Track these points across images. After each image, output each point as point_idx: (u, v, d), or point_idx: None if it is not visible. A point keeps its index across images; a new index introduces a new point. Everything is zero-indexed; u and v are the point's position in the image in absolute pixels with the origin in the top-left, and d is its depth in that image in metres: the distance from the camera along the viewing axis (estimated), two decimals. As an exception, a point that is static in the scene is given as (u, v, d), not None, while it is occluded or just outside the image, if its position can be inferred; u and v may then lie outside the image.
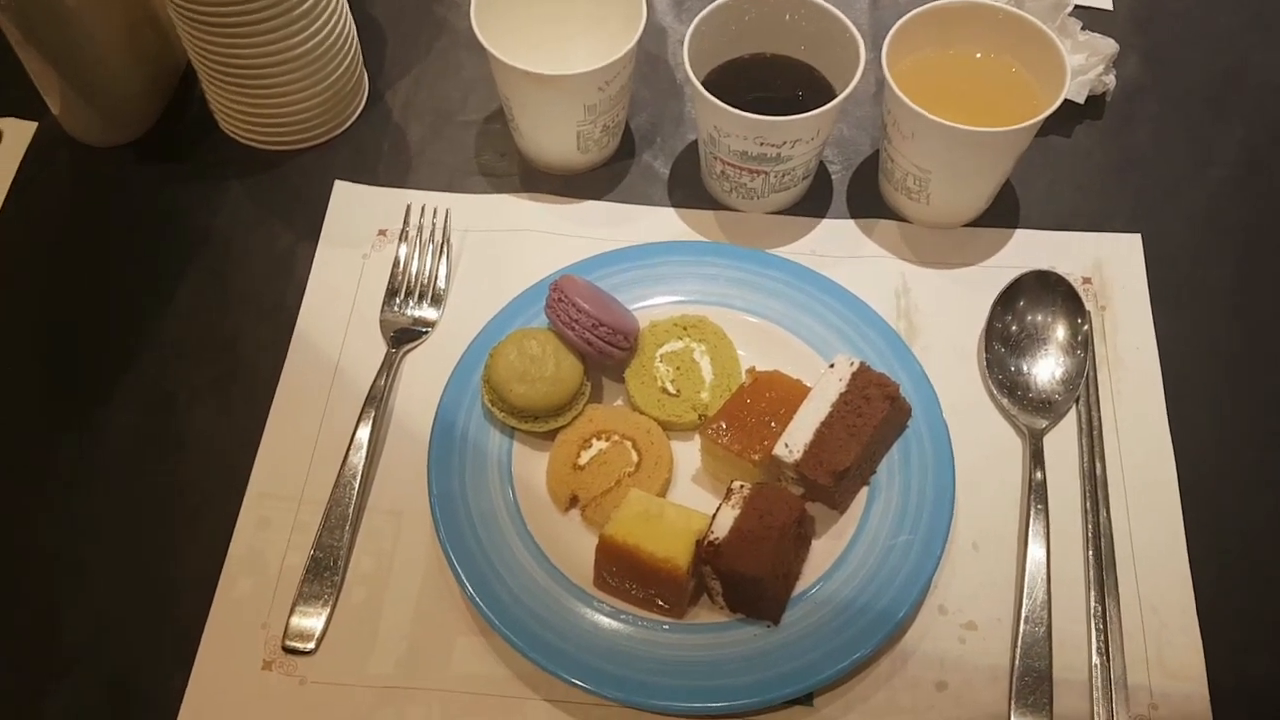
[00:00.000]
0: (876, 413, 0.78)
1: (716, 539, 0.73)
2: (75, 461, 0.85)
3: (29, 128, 1.02)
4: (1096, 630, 0.76)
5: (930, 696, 0.75)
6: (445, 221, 0.95)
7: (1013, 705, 0.74)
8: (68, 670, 0.76)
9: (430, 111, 1.04)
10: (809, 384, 0.81)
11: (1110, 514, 0.81)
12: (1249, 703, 0.75)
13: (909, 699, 0.75)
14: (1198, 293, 0.93)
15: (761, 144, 0.87)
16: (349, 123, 1.03)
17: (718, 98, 0.86)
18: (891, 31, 0.89)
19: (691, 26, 0.90)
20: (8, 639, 0.78)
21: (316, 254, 0.95)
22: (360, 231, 0.96)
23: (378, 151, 1.01)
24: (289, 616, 0.78)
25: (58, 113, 1.00)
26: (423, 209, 0.96)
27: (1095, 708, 0.74)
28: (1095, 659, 0.75)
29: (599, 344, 0.82)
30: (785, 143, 0.87)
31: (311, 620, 0.78)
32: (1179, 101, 1.04)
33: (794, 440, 0.77)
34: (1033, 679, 0.74)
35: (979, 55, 0.92)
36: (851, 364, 0.80)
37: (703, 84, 0.88)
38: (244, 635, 0.77)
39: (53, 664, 0.77)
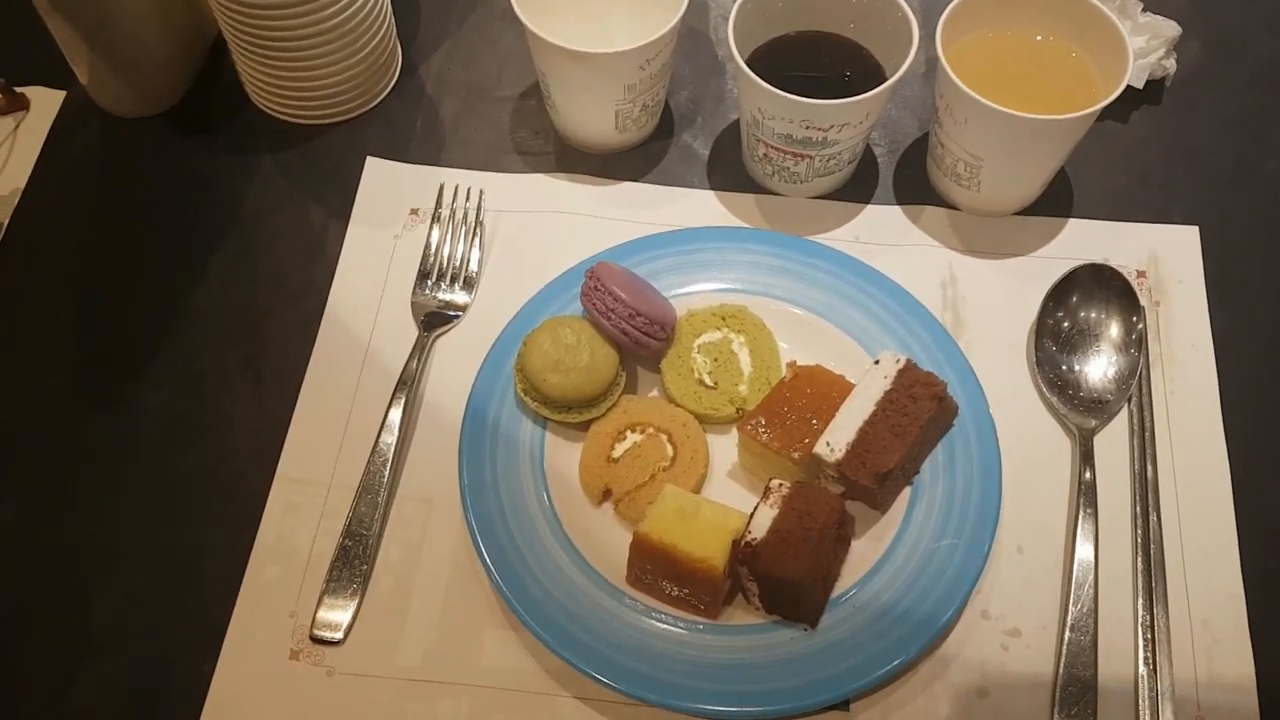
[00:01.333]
0: (923, 412, 0.75)
1: (754, 540, 0.71)
2: (104, 440, 0.84)
3: (57, 97, 1.01)
4: (1144, 640, 0.74)
5: (970, 704, 0.73)
6: (479, 202, 0.93)
7: (1055, 715, 0.72)
8: (97, 654, 0.76)
9: (464, 86, 1.02)
10: (852, 379, 0.79)
11: (1161, 519, 0.78)
12: (1301, 720, 0.72)
13: (948, 707, 0.73)
14: (1257, 289, 0.89)
15: (807, 127, 0.84)
16: (381, 97, 1.00)
17: (761, 77, 0.83)
18: (946, 10, 0.85)
19: (736, 2, 0.86)
20: (39, 622, 0.77)
21: (348, 233, 0.93)
22: (392, 210, 0.94)
23: (410, 127, 0.99)
24: (317, 605, 0.77)
25: (86, 83, 0.98)
26: (455, 189, 0.94)
27: (1141, 719, 0.72)
28: (1142, 670, 0.73)
29: (635, 334, 0.80)
30: (832, 126, 0.84)
31: (340, 610, 0.77)
32: (1241, 89, 1.00)
33: (836, 439, 0.75)
34: (1077, 689, 0.72)
35: (1038, 38, 0.88)
36: (897, 361, 0.77)
37: (746, 63, 0.85)
38: (272, 623, 0.76)
39: (82, 648, 0.76)
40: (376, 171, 0.96)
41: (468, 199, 0.93)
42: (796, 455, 0.76)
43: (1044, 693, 0.73)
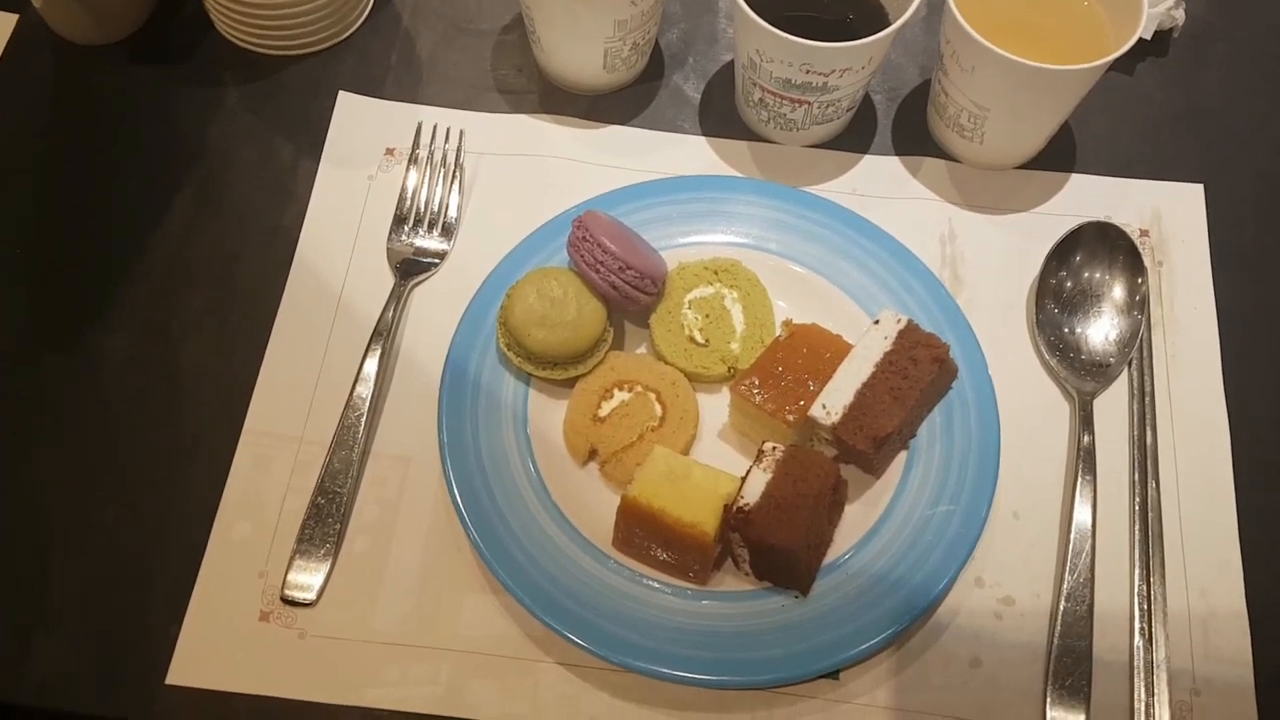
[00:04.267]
0: (923, 375, 0.72)
1: (747, 505, 0.69)
2: (60, 390, 0.79)
3: (8, 20, 0.94)
4: (1140, 610, 0.73)
5: (963, 674, 0.72)
6: (458, 143, 0.88)
7: (1049, 686, 0.70)
8: (57, 616, 0.72)
9: (443, 18, 0.96)
10: (849, 339, 0.76)
11: (1160, 487, 0.76)
12: (1296, 693, 0.71)
13: (940, 676, 0.71)
14: (1262, 251, 0.87)
15: (807, 72, 0.80)
16: (354, 28, 0.95)
17: (761, 15, 0.79)
18: (955, -48, 0.81)
19: (736, -63, 0.81)
20: (-4, 581, 0.74)
21: (319, 172, 0.88)
22: (366, 149, 0.89)
23: (385, 61, 0.94)
24: (288, 565, 0.73)
25: (40, 6, 0.91)
26: (434, 128, 0.89)
27: (1135, 691, 0.70)
28: (1138, 641, 0.72)
29: (625, 288, 0.76)
30: (833, 71, 0.80)
31: (312, 570, 0.73)
32: (1252, 44, 0.97)
33: (832, 402, 0.72)
34: (1071, 660, 0.71)
35: (1048, -17, 0.84)
36: (898, 321, 0.74)
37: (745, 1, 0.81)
38: (240, 584, 0.73)
39: (43, 611, 0.72)
40: (349, 107, 0.91)
41: (447, 139, 0.88)
42: (791, 418, 0.73)
43: (1038, 663, 0.72)
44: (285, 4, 0.88)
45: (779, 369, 0.74)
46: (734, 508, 0.69)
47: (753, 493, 0.69)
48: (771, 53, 0.80)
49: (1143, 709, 0.70)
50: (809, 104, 0.84)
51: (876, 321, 0.75)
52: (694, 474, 0.71)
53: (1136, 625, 0.72)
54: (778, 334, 0.78)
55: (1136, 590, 0.73)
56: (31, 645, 0.71)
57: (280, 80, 0.93)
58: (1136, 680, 0.71)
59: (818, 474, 0.70)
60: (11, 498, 0.76)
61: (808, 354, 0.75)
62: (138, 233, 0.85)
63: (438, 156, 0.88)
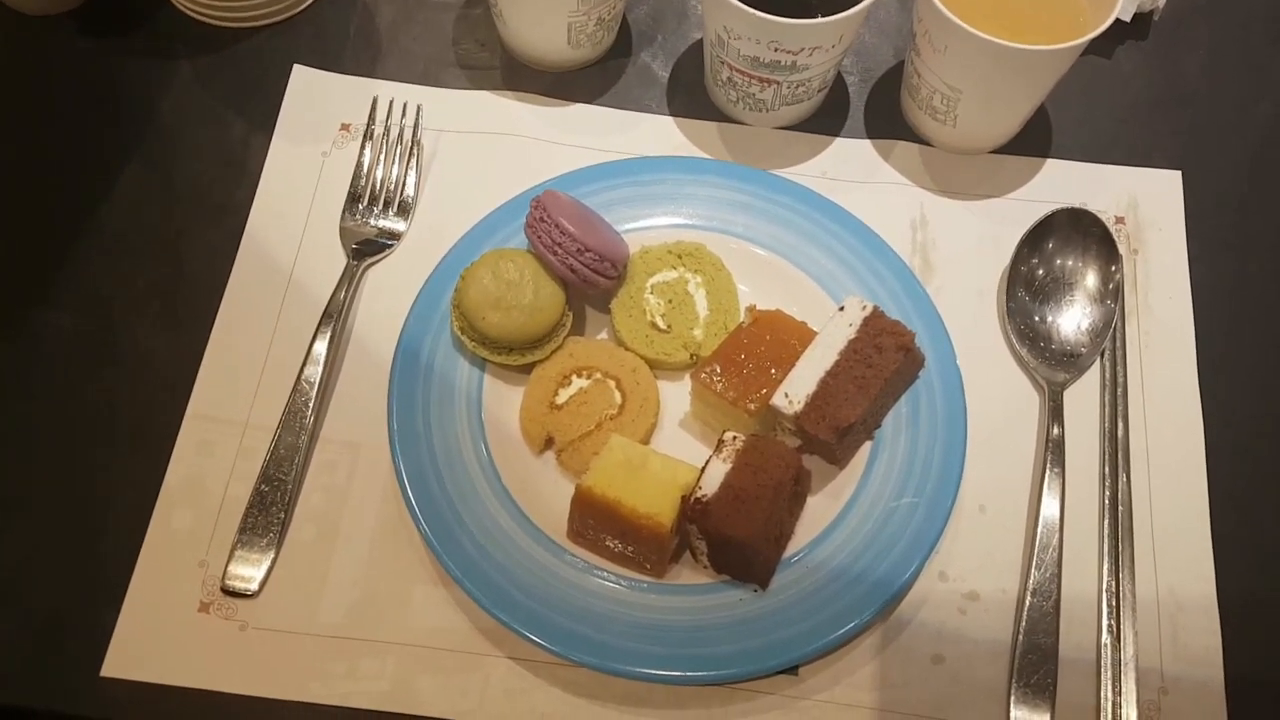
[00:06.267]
0: (888, 364, 0.70)
1: (705, 496, 0.66)
2: (2, 368, 0.76)
3: (-50, -13, 0.91)
4: (1108, 607, 0.71)
5: (924, 671, 0.70)
6: (417, 120, 0.85)
7: (1013, 684, 0.68)
8: (-16, 604, 0.70)
9: (404, -10, 0.93)
10: (814, 326, 0.73)
11: (1131, 481, 0.75)
12: (1267, 692, 0.69)
13: (901, 673, 0.69)
14: (1240, 240, 0.85)
15: (776, 50, 0.78)
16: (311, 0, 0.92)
17: (730, -6, 0.76)
18: (930, -72, 0.78)
19: (704, -91, 0.79)
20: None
21: (271, 147, 0.85)
22: (321, 125, 0.86)
23: (343, 34, 0.91)
24: (230, 554, 0.71)
25: (-17, -29, 0.88)
26: (390, 104, 0.86)
27: (1102, 690, 0.68)
28: (1105, 638, 0.70)
29: (584, 271, 0.73)
30: (803, 50, 0.78)
31: (255, 560, 0.71)
32: (1233, 28, 0.95)
33: (795, 390, 0.70)
34: (1036, 657, 0.69)
35: (1024, -38, 0.82)
36: (864, 308, 0.72)
37: (713, -23, 0.78)
38: (180, 573, 0.71)
39: (-28, 595, 0.70)
40: (304, 81, 0.88)
41: (404, 115, 0.85)
42: (753, 407, 0.70)
43: (1002, 660, 0.70)
44: (239, -27, 0.86)
45: (741, 356, 0.72)
46: (692, 499, 0.67)
47: (711, 483, 0.67)
48: (739, 30, 0.78)
49: (1109, 708, 0.68)
50: (778, 84, 0.82)
51: (842, 308, 0.73)
52: (652, 464, 0.69)
53: (1104, 622, 0.70)
54: (742, 320, 0.75)
55: (1105, 586, 0.71)
56: (-40, 633, 0.68)
57: (234, 53, 0.90)
58: (1103, 678, 0.69)
59: (778, 464, 0.67)
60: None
61: (771, 341, 0.72)
62: (84, 208, 0.82)
63: (394, 133, 0.85)
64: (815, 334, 0.72)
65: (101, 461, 0.74)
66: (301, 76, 0.88)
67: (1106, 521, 0.73)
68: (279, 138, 0.86)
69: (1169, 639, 0.70)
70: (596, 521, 0.68)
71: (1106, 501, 0.74)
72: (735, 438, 0.69)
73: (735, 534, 0.65)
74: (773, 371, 0.71)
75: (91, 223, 0.82)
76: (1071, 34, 0.76)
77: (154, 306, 0.79)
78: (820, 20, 0.75)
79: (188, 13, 0.90)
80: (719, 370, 0.71)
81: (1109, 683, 0.69)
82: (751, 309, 0.75)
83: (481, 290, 0.73)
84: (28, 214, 0.82)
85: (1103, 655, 0.69)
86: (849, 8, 0.76)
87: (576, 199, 0.77)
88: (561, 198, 0.75)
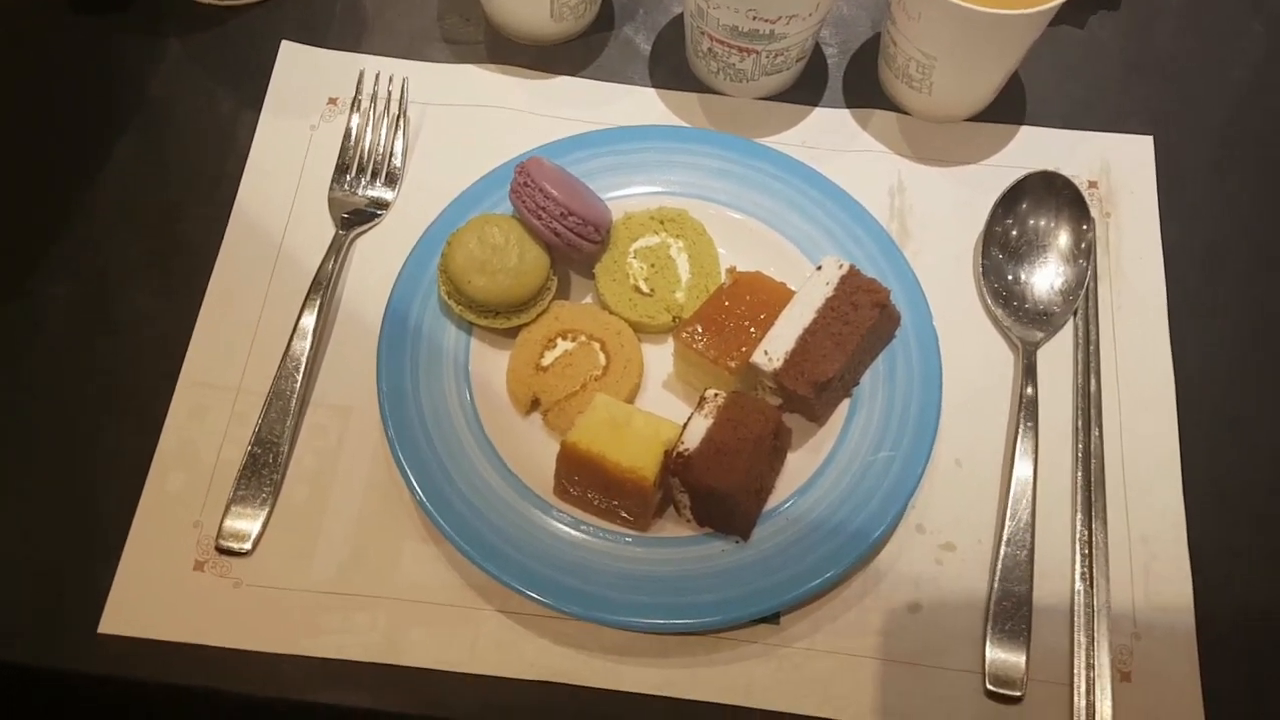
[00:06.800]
0: (864, 321, 0.72)
1: (687, 450, 0.68)
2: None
3: (-58, -32, 0.92)
4: (1081, 556, 0.73)
5: (902, 619, 0.71)
6: (403, 92, 0.87)
7: (989, 630, 0.70)
8: (-15, 565, 0.71)
9: (390, -33, 0.95)
10: (793, 287, 0.75)
11: (1104, 434, 0.76)
12: (1237, 637, 0.71)
13: (880, 620, 0.71)
14: (1210, 203, 0.87)
15: (754, 18, 0.79)
16: (299, -23, 0.93)
17: (709, -35, 0.78)
18: (903, -102, 0.80)
19: (682, -119, 0.81)
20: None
21: (260, 121, 0.87)
22: (309, 99, 0.88)
23: (330, 10, 0.92)
24: (224, 514, 0.72)
25: (-27, -49, 0.90)
26: (377, 76, 0.87)
27: (1076, 635, 0.70)
28: (1079, 585, 0.72)
29: (567, 235, 0.75)
30: (780, 18, 0.79)
31: (248, 519, 0.72)
32: (1202, -5, 0.97)
33: (774, 348, 0.71)
34: (1011, 604, 0.71)
35: (997, -71, 0.84)
36: (840, 267, 0.74)
37: (692, -52, 0.80)
38: (175, 533, 0.72)
39: (-33, 558, 0.71)
40: (292, 56, 0.90)
41: (390, 87, 0.87)
42: (733, 364, 0.72)
43: (978, 608, 0.71)
44: (227, -49, 0.87)
45: (722, 316, 0.74)
46: (674, 453, 0.68)
47: (693, 438, 0.69)
48: (718, -1, 0.79)
49: (1082, 652, 0.70)
50: (757, 53, 0.83)
51: (819, 267, 0.74)
52: (635, 421, 0.71)
53: (1078, 570, 0.72)
54: (723, 282, 0.77)
55: (1078, 536, 0.73)
56: (-41, 593, 0.70)
57: (223, 30, 0.91)
58: (1077, 623, 0.71)
59: (758, 419, 0.69)
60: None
61: (751, 301, 0.74)
62: (77, 182, 0.84)
63: (381, 105, 0.86)
64: (794, 294, 0.74)
65: (97, 426, 0.75)
66: (289, 52, 0.90)
67: (1080, 474, 0.75)
68: (268, 112, 0.87)
69: (1141, 586, 0.72)
70: (581, 477, 0.70)
71: (1080, 455, 0.76)
72: (716, 395, 0.71)
73: (717, 485, 0.67)
74: (752, 330, 0.73)
75: (86, 195, 0.83)
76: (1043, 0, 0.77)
77: (148, 276, 0.81)
78: (796, -12, 0.77)
79: (177, -9, 0.92)
80: (700, 330, 0.73)
81: (1082, 627, 0.70)
82: (732, 270, 0.77)
83: (467, 255, 0.74)
84: (22, 186, 0.84)
85: (1076, 601, 0.71)
86: (824, -24, 0.78)
87: (560, 166, 0.78)
88: (546, 164, 0.77)
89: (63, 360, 0.78)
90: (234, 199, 0.83)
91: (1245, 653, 0.71)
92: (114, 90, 0.88)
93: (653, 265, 0.79)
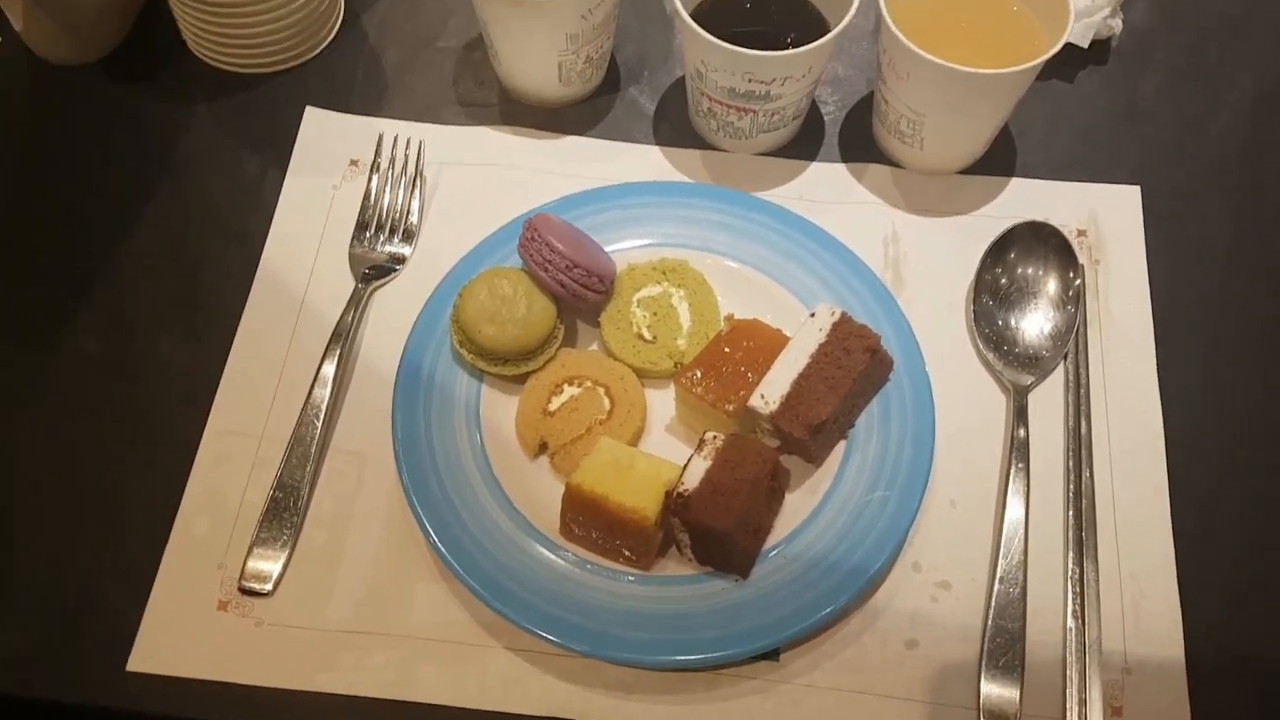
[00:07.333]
0: (856, 365, 0.75)
1: (686, 490, 0.71)
2: (35, 385, 0.82)
3: (-10, 43, 0.98)
4: (1073, 593, 0.75)
5: (900, 655, 0.74)
6: (419, 154, 0.91)
7: (983, 666, 0.72)
8: (25, 603, 0.75)
9: (408, 36, 1.00)
10: (789, 333, 0.78)
11: (1094, 475, 0.79)
12: (1226, 672, 0.73)
13: (878, 657, 0.73)
14: (1196, 249, 0.89)
15: (750, 80, 0.84)
16: (322, 46, 0.99)
17: (708, 31, 0.82)
18: (890, -36, 0.84)
19: (680, -47, 0.85)
20: (-38, 570, 0.76)
21: (285, 182, 0.92)
22: (331, 161, 0.93)
23: (352, 77, 0.97)
24: (246, 556, 0.76)
25: (21, 29, 0.95)
26: (395, 139, 0.92)
27: (1068, 671, 0.72)
28: (1070, 622, 0.74)
29: (573, 286, 0.79)
30: (775, 80, 0.84)
31: (269, 561, 0.76)
32: (1188, 49, 1.00)
33: (770, 391, 0.75)
34: (1005, 640, 0.73)
35: (982, -8, 0.88)
36: (833, 314, 0.77)
37: (693, 16, 0.84)
38: (200, 574, 0.76)
39: (9, 595, 0.75)
40: (316, 121, 0.95)
41: (408, 149, 0.92)
42: (731, 408, 0.75)
43: (973, 644, 0.73)
44: (256, 25, 0.92)
45: (720, 362, 0.77)
46: (674, 493, 0.71)
47: (693, 479, 0.72)
48: (716, 63, 0.84)
49: (1074, 688, 0.72)
50: (754, 112, 0.87)
51: (812, 314, 0.78)
52: (638, 463, 0.74)
53: (1069, 607, 0.74)
54: (721, 329, 0.80)
55: (1069, 574, 0.75)
56: (-1, 629, 0.74)
57: (250, 96, 0.96)
58: (1069, 660, 0.73)
59: (755, 460, 0.72)
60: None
61: (748, 347, 0.77)
62: (112, 239, 0.89)
63: (399, 166, 0.91)
64: (789, 339, 0.77)
65: (127, 471, 0.79)
66: (313, 117, 0.95)
67: (1071, 513, 0.77)
68: (292, 173, 0.92)
69: (1131, 622, 0.74)
70: (586, 517, 0.73)
71: (1071, 494, 0.78)
72: (715, 437, 0.74)
73: (714, 525, 0.70)
74: (749, 375, 0.76)
75: (119, 252, 0.88)
76: (1027, 58, 0.81)
77: (177, 328, 0.85)
78: (788, 52, 0.81)
79: (207, 60, 0.97)
80: (699, 375, 0.76)
81: (1074, 663, 0.72)
82: (730, 318, 0.80)
83: (478, 305, 0.78)
84: (59, 243, 0.89)
85: (1068, 638, 0.73)
86: (816, 40, 0.82)
87: (567, 221, 0.82)
88: (552, 219, 0.81)
89: (96, 408, 0.82)
90: (260, 255, 0.88)
91: (1234, 686, 0.73)
92: (146, 153, 0.93)
93: (655, 314, 0.82)
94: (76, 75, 0.97)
